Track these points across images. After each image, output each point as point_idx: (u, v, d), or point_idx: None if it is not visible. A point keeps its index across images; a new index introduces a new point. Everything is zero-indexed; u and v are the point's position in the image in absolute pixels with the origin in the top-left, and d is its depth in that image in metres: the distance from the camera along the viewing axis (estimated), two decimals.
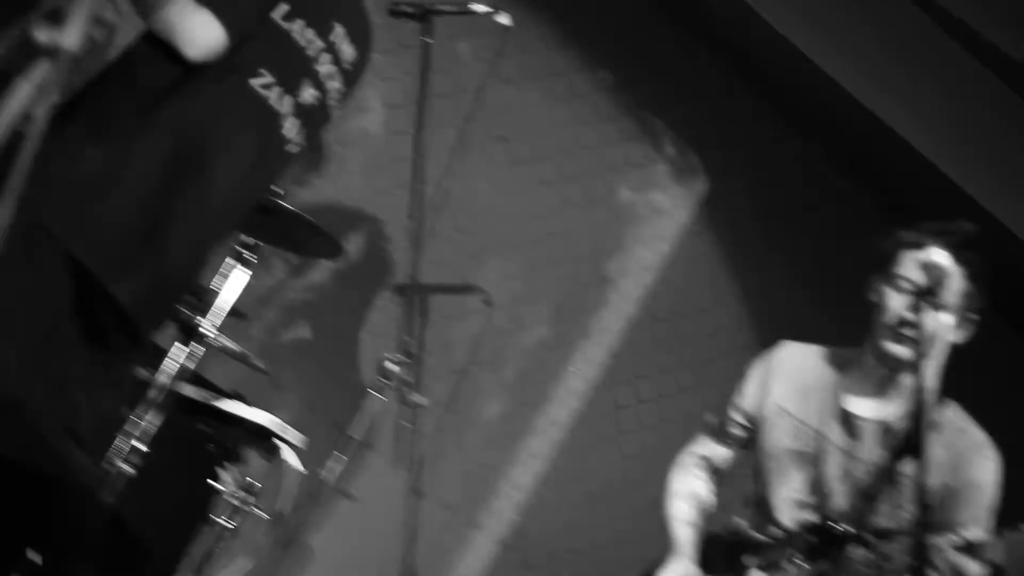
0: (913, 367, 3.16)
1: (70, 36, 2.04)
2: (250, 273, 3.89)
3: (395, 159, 5.25)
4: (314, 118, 3.05)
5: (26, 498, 2.65)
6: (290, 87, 2.92)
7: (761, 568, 3.42)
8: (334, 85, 3.06)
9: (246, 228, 3.95)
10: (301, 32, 2.90)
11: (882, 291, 3.45)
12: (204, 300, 3.85)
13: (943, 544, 3.04)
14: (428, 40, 3.81)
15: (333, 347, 5.38)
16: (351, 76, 3.12)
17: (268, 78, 2.86)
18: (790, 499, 3.55)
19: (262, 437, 3.95)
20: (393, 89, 5.29)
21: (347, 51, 3.05)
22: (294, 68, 2.92)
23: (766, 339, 3.99)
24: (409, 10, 3.88)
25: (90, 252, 2.59)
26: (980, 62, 5.75)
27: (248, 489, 3.87)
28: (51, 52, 2.06)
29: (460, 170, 4.77)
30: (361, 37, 3.11)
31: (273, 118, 2.90)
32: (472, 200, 5.57)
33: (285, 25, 2.87)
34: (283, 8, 2.86)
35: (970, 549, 3.03)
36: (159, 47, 2.72)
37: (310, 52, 2.94)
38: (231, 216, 2.98)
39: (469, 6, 3.87)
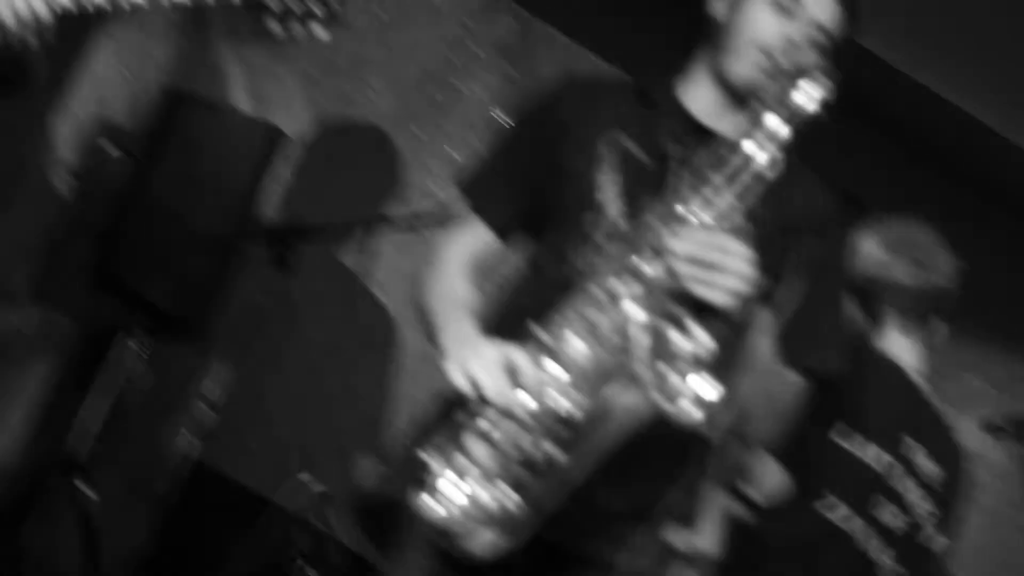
0: None
1: (707, 540, 2.03)
2: None
3: None
4: (909, 543, 2.89)
5: None
6: (861, 507, 2.82)
7: None
8: (923, 506, 2.92)
9: None
10: (862, 447, 2.82)
11: None
12: None
13: None
14: None
15: None
16: (944, 497, 2.96)
17: (832, 499, 2.79)
18: None
19: None
20: (995, 496, 4.98)
21: (928, 468, 2.93)
22: (860, 486, 2.83)
23: None
24: (1007, 429, 3.66)
25: None
26: None
27: None
28: (691, 558, 2.04)
29: None
30: (946, 455, 2.97)
31: (851, 543, 2.80)
32: None
33: (843, 443, 2.80)
34: (839, 427, 2.79)
35: None
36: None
37: (877, 468, 2.84)
38: None
39: None
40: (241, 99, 5.08)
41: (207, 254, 4.18)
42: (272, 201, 5.08)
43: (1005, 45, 4.57)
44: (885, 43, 4.58)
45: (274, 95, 5.16)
